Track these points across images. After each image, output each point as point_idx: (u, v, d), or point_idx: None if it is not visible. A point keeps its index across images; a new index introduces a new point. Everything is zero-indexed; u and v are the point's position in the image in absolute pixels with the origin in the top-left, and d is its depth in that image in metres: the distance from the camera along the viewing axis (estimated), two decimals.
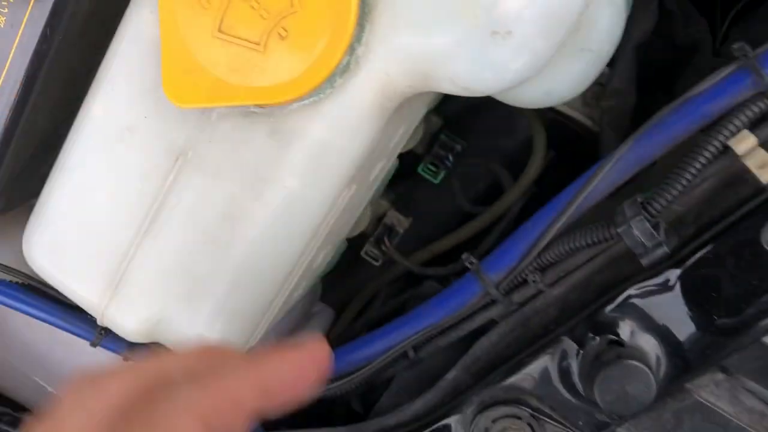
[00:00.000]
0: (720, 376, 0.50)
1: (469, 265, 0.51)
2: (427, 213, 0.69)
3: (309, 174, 0.42)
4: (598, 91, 0.62)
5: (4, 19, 0.42)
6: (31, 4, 0.42)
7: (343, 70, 0.39)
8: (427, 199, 0.68)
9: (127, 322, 0.46)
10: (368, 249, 0.67)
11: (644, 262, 0.45)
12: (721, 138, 0.43)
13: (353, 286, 0.72)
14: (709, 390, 0.51)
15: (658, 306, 0.46)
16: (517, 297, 0.51)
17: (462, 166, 0.67)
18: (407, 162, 0.65)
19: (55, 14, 0.42)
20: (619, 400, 0.45)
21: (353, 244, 0.67)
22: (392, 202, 0.70)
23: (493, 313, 0.52)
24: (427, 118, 0.64)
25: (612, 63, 0.56)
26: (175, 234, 0.44)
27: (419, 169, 0.66)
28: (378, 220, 0.68)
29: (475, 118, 0.70)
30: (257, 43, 0.39)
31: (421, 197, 0.69)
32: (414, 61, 0.39)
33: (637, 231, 0.45)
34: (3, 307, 0.51)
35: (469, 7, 0.37)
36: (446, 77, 0.40)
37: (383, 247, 0.67)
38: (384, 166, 0.53)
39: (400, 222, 0.68)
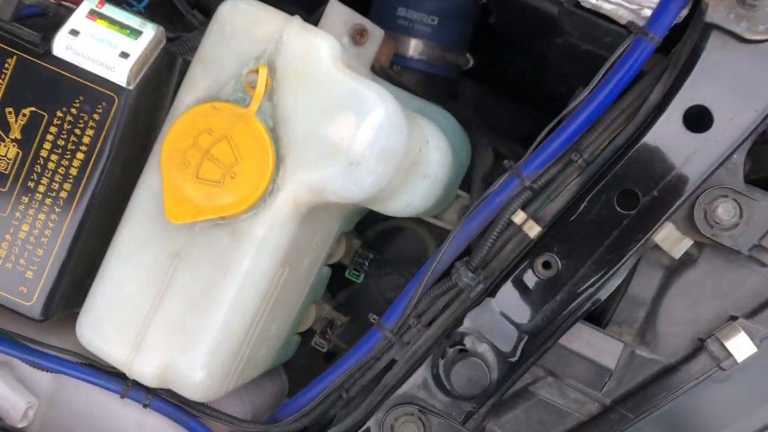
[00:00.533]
0: (550, 378, 0.75)
1: (372, 321, 0.77)
2: (358, 307, 0.95)
3: (256, 257, 0.69)
4: None
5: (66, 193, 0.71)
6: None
7: (269, 193, 0.68)
8: (357, 297, 0.95)
9: (147, 370, 0.71)
10: (316, 340, 0.93)
11: (471, 295, 0.71)
12: (506, 217, 0.71)
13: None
14: (545, 390, 0.75)
15: (486, 323, 0.71)
16: (406, 337, 0.76)
17: (379, 273, 0.96)
18: (340, 276, 0.93)
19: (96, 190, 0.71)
20: (466, 385, 0.69)
21: (306, 339, 0.93)
22: (333, 306, 0.97)
23: (392, 352, 0.77)
24: (349, 239, 0.93)
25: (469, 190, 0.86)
26: (175, 305, 0.70)
27: (346, 274, 0.93)
28: (323, 319, 0.95)
29: (388, 240, 1.00)
30: (218, 182, 0.68)
31: (354, 297, 0.97)
32: (309, 184, 0.68)
33: (465, 278, 0.71)
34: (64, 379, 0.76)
35: (336, 153, 0.67)
36: (330, 192, 0.68)
37: (327, 336, 0.93)
38: (312, 261, 0.80)
39: (339, 318, 0.94)
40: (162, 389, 0.74)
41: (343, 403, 0.79)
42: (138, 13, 0.74)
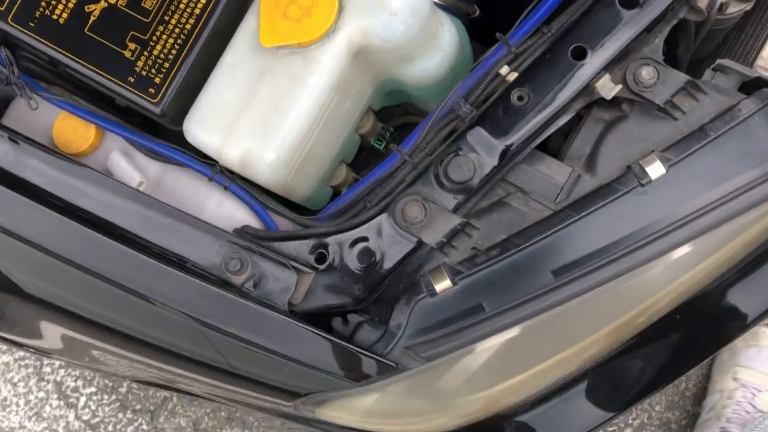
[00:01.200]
0: (518, 193, 1.03)
1: (393, 148, 1.06)
2: None
3: (320, 76, 0.99)
4: None
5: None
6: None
7: (332, 31, 0.99)
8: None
9: (233, 152, 1.00)
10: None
11: (466, 120, 1.01)
12: (495, 70, 1.01)
13: None
14: (514, 201, 1.03)
15: (475, 138, 1.00)
16: (416, 159, 1.05)
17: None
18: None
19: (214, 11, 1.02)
20: (458, 173, 0.98)
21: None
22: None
23: (406, 170, 1.05)
24: (375, 119, 1.23)
25: None
26: (259, 108, 1.00)
27: (371, 142, 1.23)
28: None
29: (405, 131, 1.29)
30: (299, 19, 0.98)
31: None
32: (361, 27, 0.99)
33: (464, 108, 1.01)
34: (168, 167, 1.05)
35: (381, 5, 0.98)
36: (374, 35, 0.99)
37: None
38: (351, 109, 1.10)
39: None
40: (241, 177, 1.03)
41: (366, 210, 1.07)
42: None
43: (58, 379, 1.95)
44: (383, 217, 1.02)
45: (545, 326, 0.99)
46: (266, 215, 1.05)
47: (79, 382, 1.94)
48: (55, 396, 1.94)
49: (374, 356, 0.98)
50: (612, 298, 1.00)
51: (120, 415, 1.92)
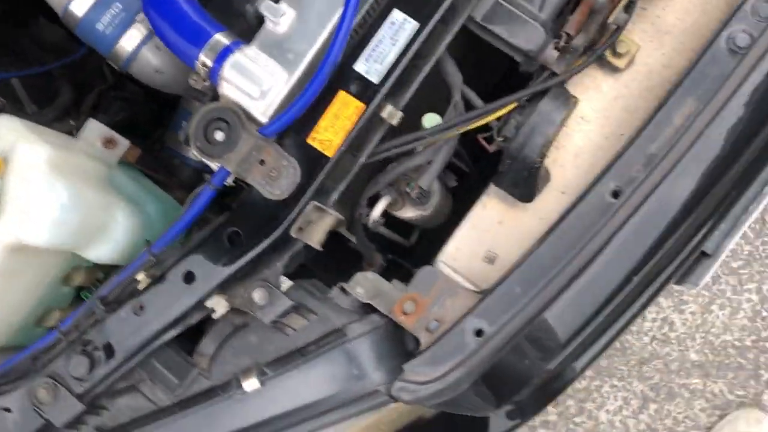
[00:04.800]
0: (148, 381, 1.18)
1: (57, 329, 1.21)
2: None
3: None
4: None
5: None
6: None
7: None
8: None
9: None
10: None
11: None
12: None
13: None
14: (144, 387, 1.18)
15: None
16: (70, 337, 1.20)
17: None
18: None
19: None
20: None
21: None
22: None
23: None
24: (87, 276, 1.38)
25: None
26: None
27: (82, 295, 1.39)
28: None
29: None
30: None
31: None
32: (13, 235, 1.14)
33: None
34: None
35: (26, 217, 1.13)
36: (25, 240, 1.14)
37: None
38: (33, 281, 1.26)
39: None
40: None
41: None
42: None
43: None
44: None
45: None
46: None
47: None
48: None
49: None
50: None
51: None
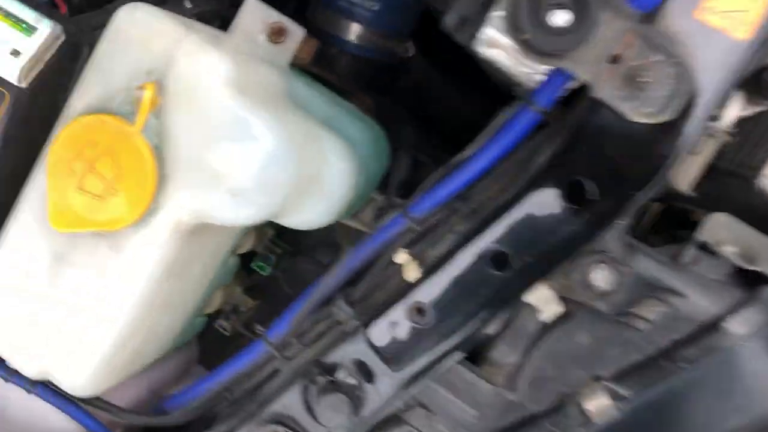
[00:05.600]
0: (420, 410, 0.77)
1: (258, 332, 0.79)
2: (269, 292, 0.97)
3: (132, 271, 0.70)
4: None
5: None
6: None
7: (149, 213, 0.68)
8: (266, 285, 0.97)
9: (26, 369, 0.73)
10: (219, 323, 0.95)
11: (346, 329, 0.72)
12: (389, 256, 0.72)
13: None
14: (415, 420, 0.77)
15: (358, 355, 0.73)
16: (288, 353, 0.78)
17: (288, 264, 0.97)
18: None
19: None
20: (331, 417, 0.72)
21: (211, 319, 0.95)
22: (245, 288, 0.98)
23: (274, 364, 0.79)
24: (260, 230, 0.93)
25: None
26: (53, 307, 0.71)
27: (252, 265, 0.95)
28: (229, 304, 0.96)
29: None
30: (100, 196, 0.68)
31: (264, 284, 0.98)
32: (191, 208, 0.68)
33: (343, 311, 0.73)
34: None
35: (218, 181, 0.66)
36: (210, 218, 0.68)
37: (230, 321, 0.95)
38: (208, 265, 0.81)
39: (247, 302, 0.96)
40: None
41: (227, 403, 0.82)
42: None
43: None
44: None
45: None
46: (85, 417, 0.80)
47: None
48: None
49: None
50: None
51: None
